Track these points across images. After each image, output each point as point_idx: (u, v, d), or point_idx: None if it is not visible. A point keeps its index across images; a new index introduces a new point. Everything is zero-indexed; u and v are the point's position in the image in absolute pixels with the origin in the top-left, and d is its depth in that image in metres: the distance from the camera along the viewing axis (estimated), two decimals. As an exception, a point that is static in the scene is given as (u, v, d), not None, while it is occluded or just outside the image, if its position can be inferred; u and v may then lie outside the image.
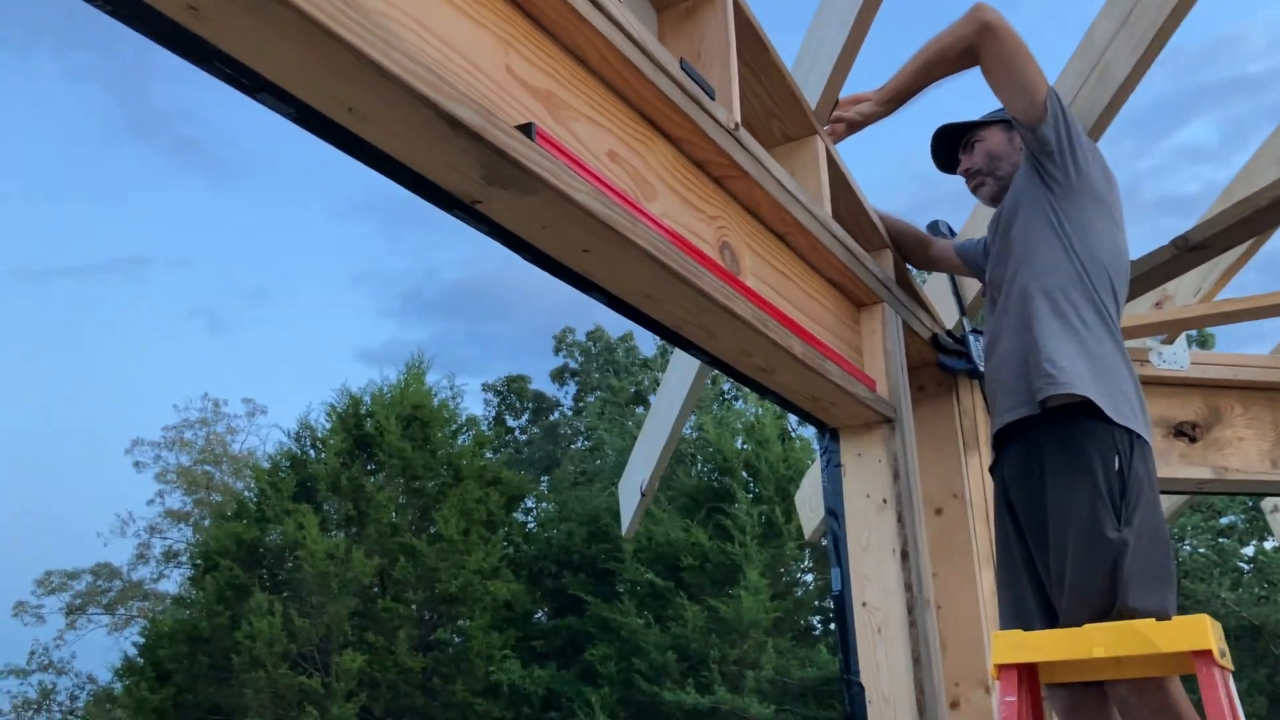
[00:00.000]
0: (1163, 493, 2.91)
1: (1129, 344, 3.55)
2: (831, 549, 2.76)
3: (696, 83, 2.03)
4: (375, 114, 1.40)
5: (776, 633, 15.82)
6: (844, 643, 2.67)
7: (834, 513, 2.77)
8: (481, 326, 40.41)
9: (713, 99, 2.09)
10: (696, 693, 14.77)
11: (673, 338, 2.21)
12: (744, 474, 17.31)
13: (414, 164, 1.52)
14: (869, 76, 2.81)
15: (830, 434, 2.82)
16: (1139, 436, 2.30)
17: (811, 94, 2.79)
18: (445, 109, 1.40)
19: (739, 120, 2.16)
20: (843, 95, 2.79)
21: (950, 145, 2.87)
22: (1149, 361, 3.47)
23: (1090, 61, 2.83)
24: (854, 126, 2.76)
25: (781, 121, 2.64)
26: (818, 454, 2.92)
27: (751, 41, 2.42)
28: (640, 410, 22.28)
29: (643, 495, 4.08)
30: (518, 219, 1.68)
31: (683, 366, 3.81)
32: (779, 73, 2.50)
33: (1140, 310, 3.76)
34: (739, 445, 17.62)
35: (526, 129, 1.56)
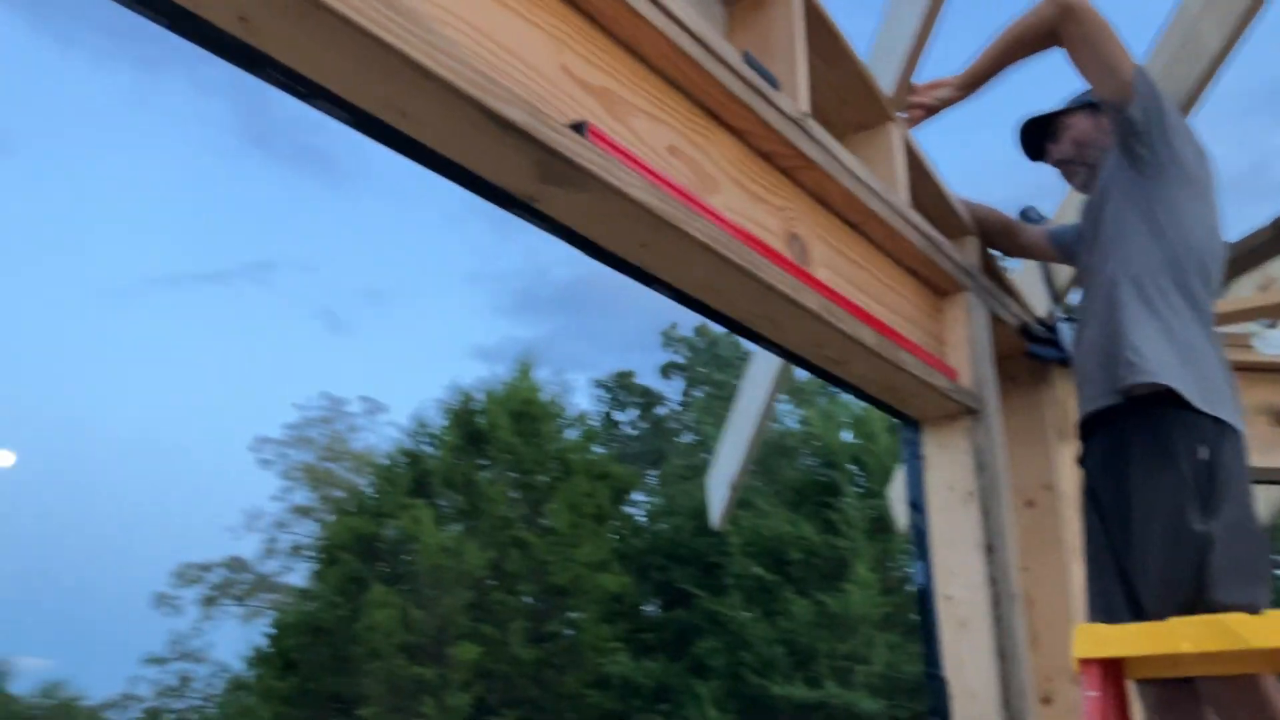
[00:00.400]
0: (1269, 483, 2.78)
1: (1231, 329, 3.41)
2: (914, 542, 2.73)
3: (759, 73, 2.03)
4: (426, 116, 1.45)
5: (886, 627, 15.60)
6: (927, 637, 2.64)
7: (916, 505, 2.74)
8: (592, 323, 40.80)
9: (777, 89, 2.08)
10: (805, 687, 14.67)
11: (742, 330, 2.21)
12: (851, 467, 17.10)
13: (468, 164, 1.57)
14: (946, 63, 2.77)
15: (912, 426, 2.79)
16: (1229, 425, 2.22)
17: (887, 82, 2.75)
18: (494, 109, 1.44)
19: (806, 110, 2.15)
20: (921, 82, 2.75)
21: (1038, 134, 2.81)
22: (1252, 347, 3.32)
23: (1181, 36, 2.72)
24: (932, 112, 2.71)
25: (855, 110, 2.61)
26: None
27: (821, 31, 2.40)
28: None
29: (731, 488, 4.08)
30: (574, 215, 1.71)
31: (765, 360, 3.80)
32: (850, 61, 2.47)
33: (1244, 294, 3.60)
34: (846, 438, 17.42)
35: (578, 127, 1.59)
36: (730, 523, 17.27)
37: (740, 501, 18.27)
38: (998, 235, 3.06)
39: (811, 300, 2.09)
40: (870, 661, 14.95)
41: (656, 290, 1.99)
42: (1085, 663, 2.07)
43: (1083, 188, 2.71)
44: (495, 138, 1.49)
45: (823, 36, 2.41)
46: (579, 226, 1.75)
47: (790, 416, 20.84)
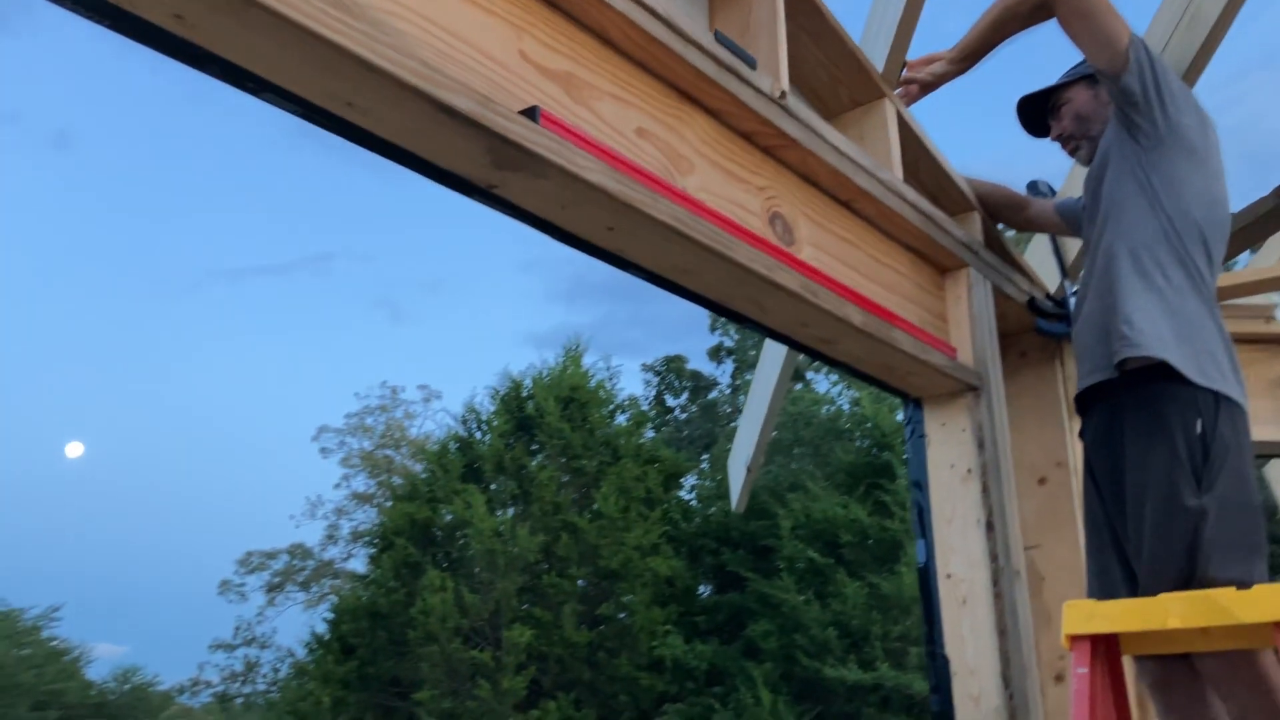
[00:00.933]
0: (1285, 457, 2.72)
1: (1250, 301, 3.34)
2: (915, 520, 2.72)
3: (734, 53, 2.03)
4: (374, 107, 1.48)
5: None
6: (929, 614, 2.63)
7: (919, 484, 2.73)
8: (645, 308, 40.87)
9: (754, 68, 2.08)
10: (859, 669, 14.61)
11: (725, 312, 2.22)
12: (904, 448, 16.95)
13: (422, 152, 1.59)
14: (940, 37, 2.74)
15: (914, 404, 2.77)
16: (1226, 398, 2.18)
17: (880, 58, 2.73)
18: (440, 99, 1.46)
19: (785, 89, 2.14)
20: (914, 56, 2.72)
21: (1038, 110, 2.77)
22: (1273, 318, 3.24)
23: (1181, 6, 2.67)
24: (926, 87, 2.69)
25: (848, 87, 2.60)
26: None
27: (806, 8, 2.39)
28: (798, 387, 22.11)
29: (748, 471, 4.08)
30: (535, 201, 1.73)
31: (775, 345, 3.79)
32: (838, 38, 2.46)
33: (1266, 264, 3.51)
34: (898, 419, 17.25)
35: (530, 113, 1.61)
36: (781, 506, 17.20)
37: (791, 485, 18.20)
38: (1004, 209, 3.03)
39: (791, 280, 2.09)
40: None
41: (631, 273, 2.00)
42: (1075, 639, 2.06)
43: (1088, 161, 2.67)
44: (446, 127, 1.52)
45: (808, 14, 2.40)
46: (541, 212, 1.77)
47: (843, 398, 20.71)
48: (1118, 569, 2.28)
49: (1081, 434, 2.46)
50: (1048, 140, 2.77)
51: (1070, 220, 2.89)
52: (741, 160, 2.15)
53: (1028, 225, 3.05)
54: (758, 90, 2.08)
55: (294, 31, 1.31)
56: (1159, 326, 2.21)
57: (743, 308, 2.18)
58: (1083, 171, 3.12)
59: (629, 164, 1.78)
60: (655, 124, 1.93)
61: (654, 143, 1.91)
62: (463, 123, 1.51)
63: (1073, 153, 2.73)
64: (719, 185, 2.06)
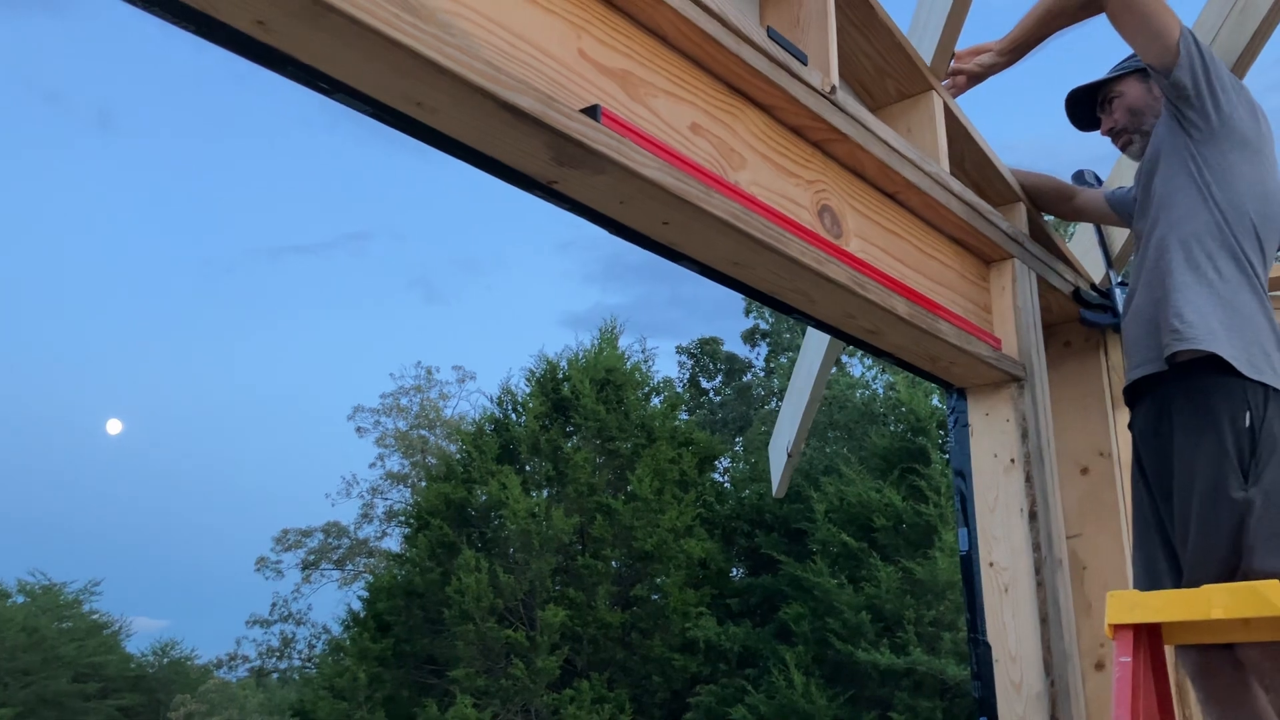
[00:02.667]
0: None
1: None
2: (959, 509, 2.75)
3: (785, 49, 2.06)
4: (441, 107, 1.52)
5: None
6: (970, 602, 2.66)
7: (961, 473, 2.75)
8: (681, 290, 40.91)
9: (804, 64, 2.11)
10: (892, 654, 14.62)
11: (774, 304, 2.25)
12: (939, 433, 16.89)
13: (487, 150, 1.64)
14: (987, 29, 2.74)
15: (958, 394, 2.80)
16: (1276, 392, 2.19)
17: (927, 50, 2.74)
18: (505, 99, 1.50)
19: (835, 84, 2.17)
20: (962, 48, 2.73)
21: (1088, 103, 2.77)
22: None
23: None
24: (974, 78, 2.70)
25: (895, 79, 2.61)
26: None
27: (856, 2, 2.41)
28: (832, 371, 22.05)
29: (789, 456, 4.12)
30: (594, 196, 1.77)
31: (820, 332, 3.81)
32: (887, 30, 2.48)
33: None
34: (934, 404, 17.20)
35: (591, 111, 1.65)
36: (815, 490, 17.21)
37: (826, 469, 18.20)
38: (1052, 200, 3.04)
39: (840, 272, 2.12)
40: (957, 628, 14.83)
41: (684, 266, 2.04)
42: (1119, 628, 2.09)
43: (1139, 155, 2.67)
44: (509, 125, 1.56)
45: (857, 7, 2.42)
46: (600, 207, 1.81)
47: (878, 382, 20.65)
48: (1164, 559, 2.30)
49: (1130, 425, 2.48)
50: (1097, 134, 2.77)
51: (1121, 211, 2.90)
52: (791, 154, 2.18)
53: (1076, 215, 3.05)
54: (808, 85, 2.11)
55: (367, 35, 1.36)
56: (1209, 319, 2.22)
57: (792, 300, 2.22)
58: (1128, 162, 3.13)
59: (684, 160, 1.82)
60: (709, 120, 1.97)
61: (708, 138, 1.95)
62: (526, 121, 1.55)
63: (1124, 147, 2.72)
64: (770, 179, 2.09)
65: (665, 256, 2.01)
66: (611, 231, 1.90)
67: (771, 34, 2.03)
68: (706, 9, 1.87)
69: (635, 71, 1.83)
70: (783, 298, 2.21)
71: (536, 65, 1.63)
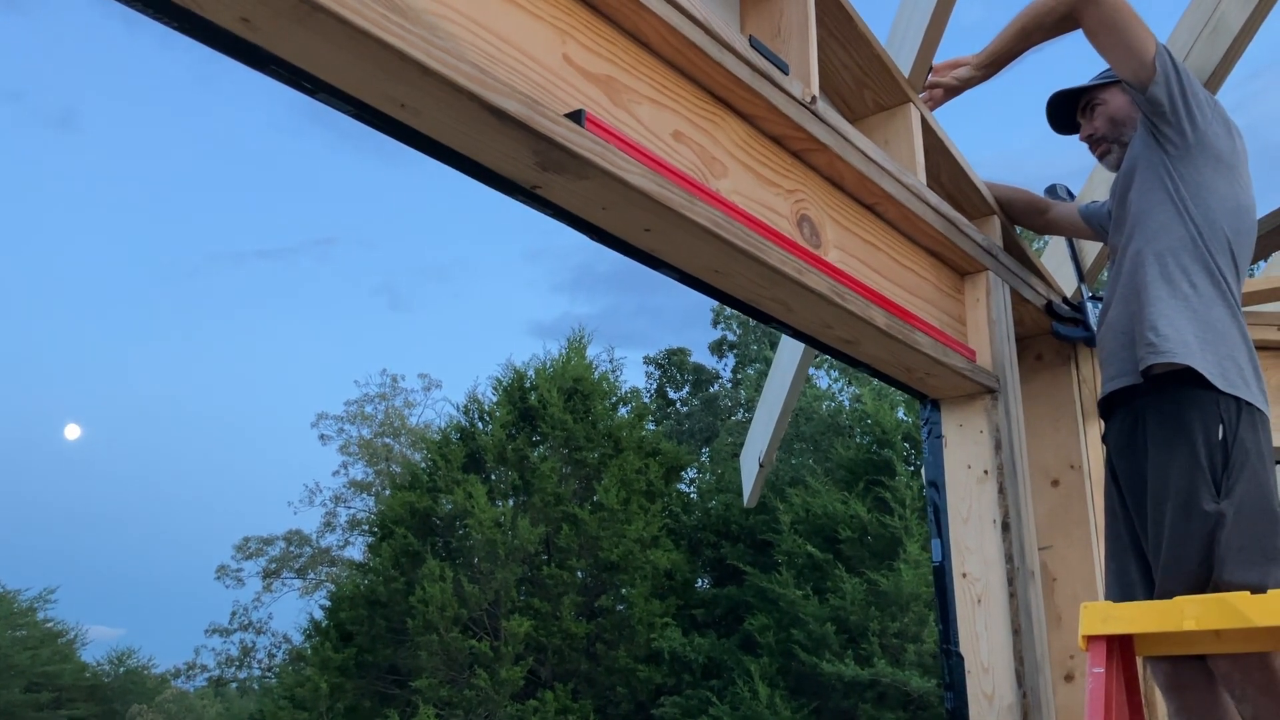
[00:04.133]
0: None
1: (1268, 308, 3.37)
2: (932, 520, 2.75)
3: (768, 59, 2.06)
4: (426, 109, 1.51)
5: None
6: (944, 613, 2.67)
7: (935, 484, 2.76)
8: (650, 300, 40.94)
9: (786, 74, 2.11)
10: (856, 665, 14.67)
11: (752, 312, 2.25)
12: (904, 445, 17.00)
13: (470, 153, 1.62)
14: (965, 43, 2.76)
15: (932, 405, 2.81)
16: (1249, 405, 2.22)
17: (906, 62, 2.76)
18: (490, 102, 1.49)
19: (815, 94, 2.17)
20: (940, 61, 2.75)
21: (1068, 106, 2.79)
22: (1291, 326, 3.28)
23: (1204, 15, 2.70)
24: (951, 92, 2.72)
25: (874, 91, 2.63)
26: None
27: (836, 14, 2.42)
28: (800, 382, 22.13)
29: (761, 466, 4.12)
30: (576, 202, 1.76)
31: (792, 342, 3.83)
32: (866, 42, 2.49)
33: (1277, 272, 3.55)
34: (899, 416, 17.31)
35: (576, 116, 1.64)
36: (781, 501, 17.26)
37: (791, 480, 18.25)
38: (1025, 213, 3.06)
39: (819, 282, 2.12)
40: (922, 640, 14.91)
41: (664, 273, 2.04)
42: (1092, 639, 2.10)
43: (1115, 167, 2.69)
44: (494, 129, 1.55)
45: (838, 19, 2.43)
46: (582, 212, 1.80)
47: (844, 394, 20.75)
48: (1136, 571, 2.32)
49: (1104, 438, 2.50)
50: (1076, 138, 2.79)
51: (1095, 224, 2.92)
52: (772, 163, 2.18)
53: (1049, 228, 3.08)
54: (789, 95, 2.11)
55: (354, 35, 1.34)
56: (1184, 333, 2.25)
57: (770, 309, 2.22)
58: (1103, 173, 3.16)
59: (667, 166, 1.82)
60: (691, 127, 1.97)
61: (690, 145, 1.95)
62: (510, 125, 1.54)
63: (1101, 156, 2.74)
64: (750, 188, 2.09)
65: (646, 264, 2.00)
66: (593, 238, 1.89)
67: (754, 43, 2.04)
68: (691, 17, 1.86)
69: (619, 78, 1.82)
70: (762, 306, 2.21)
71: (522, 69, 1.62)
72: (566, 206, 1.78)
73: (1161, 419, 2.26)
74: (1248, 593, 1.97)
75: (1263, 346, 3.28)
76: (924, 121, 2.67)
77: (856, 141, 2.30)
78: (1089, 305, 3.11)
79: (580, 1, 1.77)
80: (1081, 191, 3.27)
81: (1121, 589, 2.35)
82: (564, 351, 19.64)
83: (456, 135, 1.57)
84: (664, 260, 1.98)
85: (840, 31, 2.46)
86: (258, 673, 27.48)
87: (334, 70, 1.42)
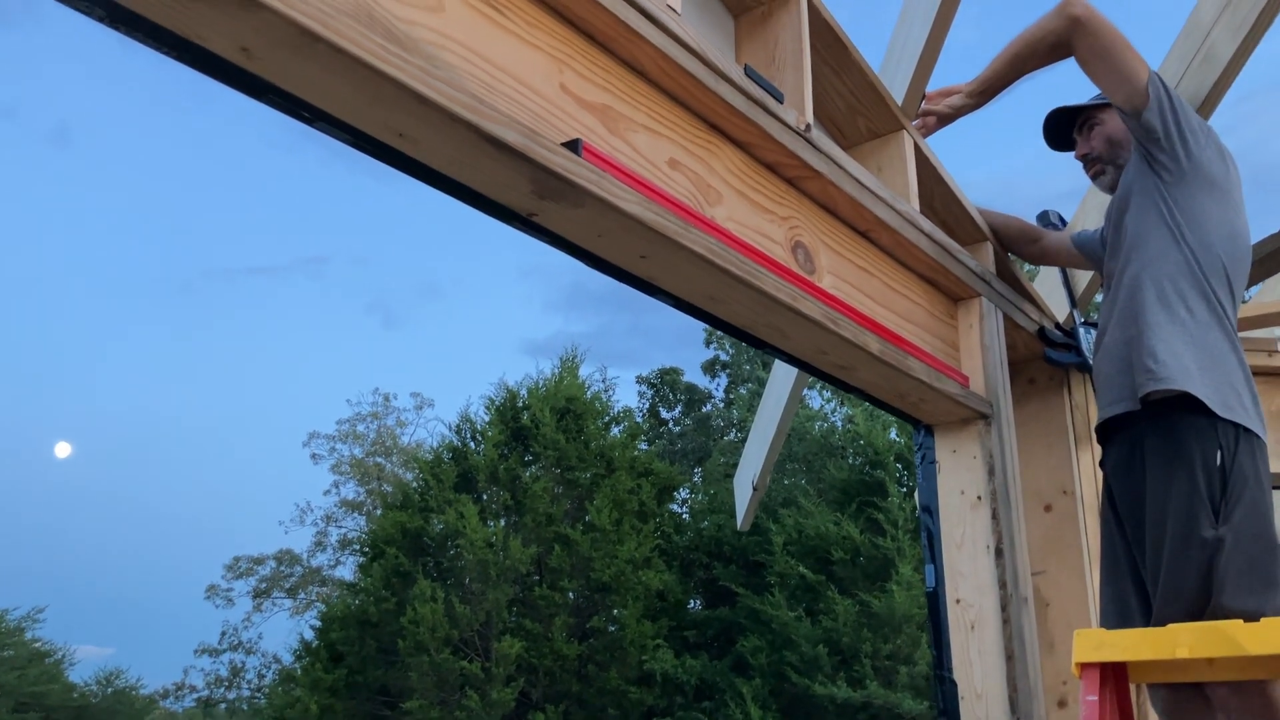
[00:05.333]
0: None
1: (1256, 334, 3.39)
2: (925, 545, 2.76)
3: (762, 87, 2.07)
4: (423, 138, 1.52)
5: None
6: (937, 639, 2.67)
7: (928, 509, 2.77)
8: (643, 319, 40.93)
9: (780, 102, 2.13)
10: (848, 687, 14.62)
11: (747, 338, 2.26)
12: (897, 466, 17.01)
13: (467, 181, 1.63)
14: (957, 66, 2.79)
15: (925, 430, 2.82)
16: (1247, 431, 2.22)
17: (899, 89, 2.78)
18: (488, 131, 1.50)
19: (810, 122, 2.19)
20: (933, 89, 2.77)
21: (1066, 123, 2.78)
22: (1277, 351, 3.30)
23: (1195, 43, 2.72)
24: (944, 119, 2.74)
25: (867, 118, 2.65)
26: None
27: (830, 42, 2.44)
28: (792, 402, 22.13)
29: (754, 490, 4.12)
30: (573, 229, 1.77)
31: (786, 365, 3.83)
32: (860, 70, 2.51)
33: (1271, 298, 3.57)
34: (891, 437, 17.32)
35: (573, 145, 1.65)
36: (774, 522, 17.23)
37: (784, 500, 18.23)
38: (1018, 241, 3.07)
39: (813, 308, 2.13)
40: (914, 662, 14.88)
41: (660, 300, 2.04)
42: (1085, 666, 2.10)
43: (1109, 189, 2.70)
44: (491, 157, 1.56)
45: (831, 47, 2.45)
46: (578, 240, 1.81)
47: (836, 415, 20.76)
48: (1134, 596, 2.32)
49: (1102, 463, 2.51)
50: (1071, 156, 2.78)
51: (1087, 252, 2.92)
52: (766, 191, 2.19)
53: (1043, 257, 3.07)
54: (784, 123, 2.13)
55: (352, 65, 1.35)
56: (1182, 359, 2.25)
57: (765, 335, 2.23)
58: (1096, 198, 3.18)
59: (663, 194, 1.82)
60: (686, 155, 1.98)
61: (685, 173, 1.96)
62: (508, 154, 1.55)
63: (1095, 176, 2.73)
64: (745, 215, 2.10)
65: (641, 290, 2.01)
66: (588, 264, 1.90)
67: (749, 72, 2.05)
68: (686, 46, 1.88)
69: (615, 106, 1.83)
70: (757, 333, 2.22)
71: (519, 99, 1.63)
72: (563, 234, 1.79)
73: (1160, 445, 2.26)
74: (1241, 620, 1.98)
75: (1253, 373, 3.29)
76: (917, 148, 2.69)
77: (850, 168, 2.31)
78: (1081, 331, 3.12)
79: (577, 31, 1.78)
80: (1073, 218, 3.29)
81: (1119, 614, 2.35)
82: (557, 371, 19.64)
83: (454, 164, 1.58)
84: (660, 287, 1.99)
85: (834, 59, 2.48)
86: (247, 693, 27.29)
87: (332, 100, 1.43)
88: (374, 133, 1.51)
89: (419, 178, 1.62)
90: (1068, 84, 2.63)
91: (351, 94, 1.41)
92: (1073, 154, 2.79)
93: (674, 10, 1.86)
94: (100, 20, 1.25)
